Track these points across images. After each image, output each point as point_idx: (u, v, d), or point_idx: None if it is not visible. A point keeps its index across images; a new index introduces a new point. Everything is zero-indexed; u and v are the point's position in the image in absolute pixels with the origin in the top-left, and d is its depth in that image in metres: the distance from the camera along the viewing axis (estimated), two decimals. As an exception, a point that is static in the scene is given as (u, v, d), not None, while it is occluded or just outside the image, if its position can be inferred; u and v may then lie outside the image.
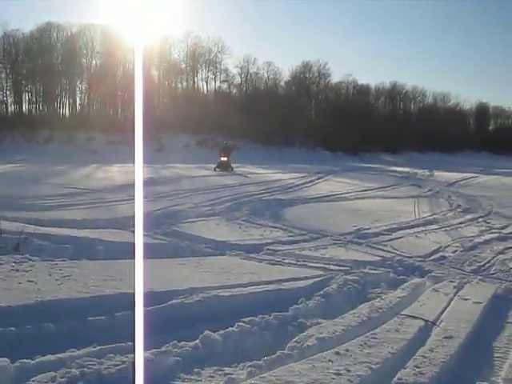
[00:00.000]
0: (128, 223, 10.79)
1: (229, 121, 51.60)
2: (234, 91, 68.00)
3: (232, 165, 30.84)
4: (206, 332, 5.52)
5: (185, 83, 66.39)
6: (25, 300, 5.97)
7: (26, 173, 25.08)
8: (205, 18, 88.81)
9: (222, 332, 5.62)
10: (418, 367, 5.12)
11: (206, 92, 66.66)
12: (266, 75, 68.68)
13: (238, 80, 67.77)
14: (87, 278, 6.99)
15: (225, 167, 30.13)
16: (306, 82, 69.69)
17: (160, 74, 63.80)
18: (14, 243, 8.59)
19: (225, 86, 67.68)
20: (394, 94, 76.83)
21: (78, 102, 63.27)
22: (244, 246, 10.37)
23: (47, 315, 5.64)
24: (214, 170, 29.87)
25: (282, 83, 69.81)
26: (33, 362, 4.71)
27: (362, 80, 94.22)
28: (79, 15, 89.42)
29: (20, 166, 29.40)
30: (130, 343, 5.03)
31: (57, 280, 6.88)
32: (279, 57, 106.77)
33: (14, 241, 8.67)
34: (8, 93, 61.19)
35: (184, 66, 65.57)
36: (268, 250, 10.18)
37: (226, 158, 30.79)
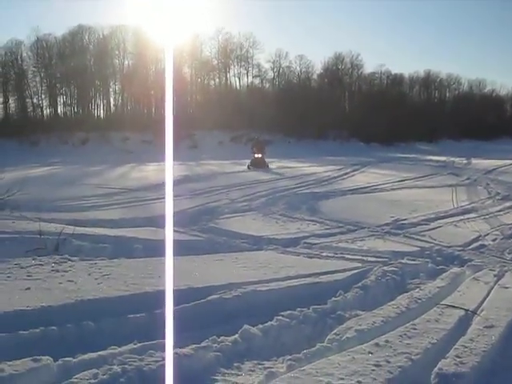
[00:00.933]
0: (164, 221, 10.83)
1: (262, 116, 51.64)
2: (267, 86, 67.99)
3: (267, 161, 28.90)
4: (245, 326, 5.55)
5: (217, 80, 66.62)
6: (65, 299, 6.07)
7: (63, 174, 25.38)
8: (235, 13, 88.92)
9: (260, 326, 5.64)
10: (459, 357, 5.07)
11: (238, 88, 66.76)
12: (299, 69, 68.60)
13: (270, 75, 67.81)
14: (126, 276, 7.07)
15: (259, 165, 27.84)
16: (339, 74, 69.34)
17: (192, 72, 64.07)
18: (54, 244, 8.72)
19: (257, 81, 67.75)
20: (428, 82, 76.02)
21: (111, 102, 64.05)
22: (281, 240, 10.37)
23: (87, 314, 5.72)
24: (248, 168, 27.68)
25: (315, 76, 69.66)
26: (75, 360, 4.78)
27: (396, 70, 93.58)
28: (110, 17, 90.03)
29: (56, 168, 29.76)
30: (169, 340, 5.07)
31: (96, 279, 6.97)
32: (311, 50, 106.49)
33: (54, 242, 8.80)
34: (43, 96, 62.23)
35: (216, 62, 65.80)
36: (305, 243, 10.16)
37: (260, 155, 28.66)
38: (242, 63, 66.36)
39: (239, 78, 66.94)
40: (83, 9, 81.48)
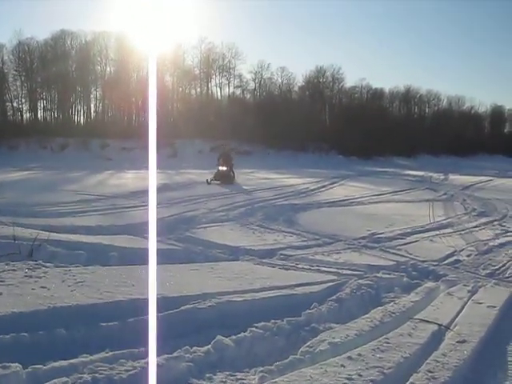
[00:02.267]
0: (141, 229, 10.82)
1: (243, 126, 51.70)
2: (248, 97, 68.05)
3: (235, 173, 26.11)
4: (218, 337, 5.53)
5: (198, 89, 66.52)
6: (37, 306, 6.00)
7: (41, 180, 25.24)
8: (218, 24, 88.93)
9: (234, 337, 5.63)
10: (431, 372, 5.10)
11: (219, 98, 66.79)
12: (280, 80, 68.75)
13: (251, 85, 67.88)
14: (100, 283, 7.01)
15: (225, 179, 24.80)
16: (320, 87, 69.58)
17: (174, 80, 63.96)
18: (28, 249, 8.64)
19: (238, 91, 67.77)
20: (408, 97, 76.53)
21: (92, 109, 63.68)
22: (257, 251, 10.35)
23: (60, 321, 5.66)
24: (208, 182, 24.25)
25: (296, 88, 69.80)
26: (45, 367, 4.73)
27: (376, 84, 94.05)
28: (93, 23, 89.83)
29: (35, 173, 29.55)
30: (141, 349, 5.05)
31: (70, 286, 6.90)
32: (293, 62, 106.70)
33: (28, 247, 8.73)
34: (23, 100, 61.76)
35: (198, 72, 65.77)
36: (281, 255, 10.15)
37: (225, 167, 25.42)
38: (224, 73, 66.46)
39: (221, 88, 67.02)
40: (66, 14, 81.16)
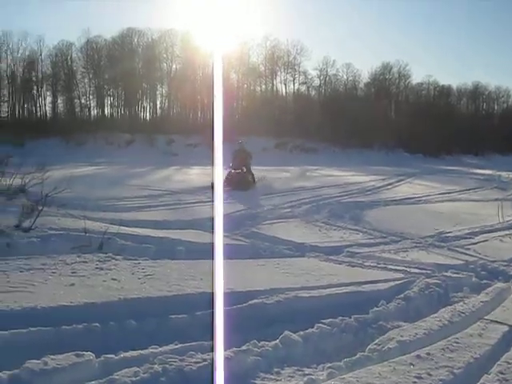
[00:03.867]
0: (207, 224, 10.93)
1: (308, 123, 51.56)
2: (313, 93, 67.74)
3: (254, 178, 21.44)
4: (286, 332, 5.54)
5: (263, 86, 66.54)
6: (108, 297, 6.15)
7: (108, 174, 25.69)
8: (283, 20, 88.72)
9: (301, 333, 5.63)
10: (503, 373, 5.00)
11: (284, 94, 66.66)
12: (345, 77, 68.13)
13: (316, 82, 67.45)
14: (169, 277, 7.13)
15: (240, 184, 19.37)
16: (386, 84, 68.79)
17: (239, 78, 64.22)
18: (98, 242, 8.84)
19: (303, 88, 67.47)
20: (476, 94, 74.84)
21: (158, 105, 64.57)
22: (323, 247, 10.32)
23: (130, 312, 5.78)
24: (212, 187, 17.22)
25: (362, 85, 69.16)
26: (116, 357, 4.84)
27: (444, 81, 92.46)
28: (159, 21, 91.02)
29: (102, 168, 30.13)
30: (209, 342, 5.10)
31: (139, 279, 7.05)
32: (358, 58, 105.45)
33: (98, 240, 8.92)
34: (91, 97, 63.21)
35: (263, 68, 65.83)
36: (348, 252, 10.09)
37: (240, 170, 20.75)
38: (289, 70, 66.22)
39: (285, 85, 66.84)
40: (133, 12, 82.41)
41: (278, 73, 66.39)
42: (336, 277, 7.91)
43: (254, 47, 64.30)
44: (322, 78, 67.02)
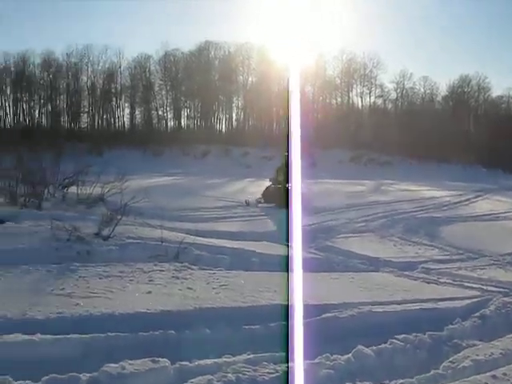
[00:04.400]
0: (279, 237, 10.98)
1: (384, 136, 51.11)
2: (390, 106, 67.12)
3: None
4: (359, 346, 5.52)
5: (339, 99, 66.42)
6: (184, 306, 6.29)
7: (184, 185, 26.11)
8: (359, 34, 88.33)
9: (374, 348, 5.59)
10: None
11: (360, 108, 66.28)
12: (423, 90, 67.32)
13: (393, 95, 66.85)
14: (243, 288, 7.21)
15: (279, 199, 16.58)
16: (465, 97, 67.47)
17: (315, 91, 64.24)
18: (175, 252, 9.01)
19: (380, 101, 66.99)
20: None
21: (234, 117, 65.34)
22: (398, 263, 10.24)
23: (205, 321, 5.87)
24: (247, 203, 18.37)
25: (439, 98, 68.11)
26: (191, 364, 4.93)
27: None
28: (236, 34, 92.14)
29: (178, 179, 30.59)
30: (282, 353, 5.13)
31: (214, 288, 7.17)
32: (436, 71, 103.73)
33: (175, 250, 9.10)
34: (168, 109, 64.54)
35: (339, 81, 65.68)
36: (423, 268, 9.98)
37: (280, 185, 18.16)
38: (365, 83, 65.89)
39: (361, 98, 66.51)
40: (211, 25, 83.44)
41: (354, 86, 66.22)
42: (410, 293, 7.84)
43: (330, 60, 64.41)
44: (398, 91, 66.41)
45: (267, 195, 18.47)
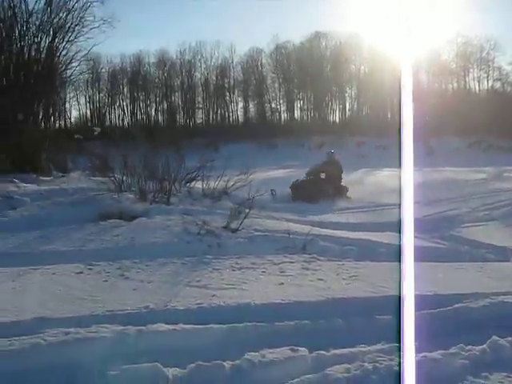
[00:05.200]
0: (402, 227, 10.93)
1: (503, 121, 49.36)
2: (509, 90, 64.68)
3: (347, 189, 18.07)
4: (494, 337, 5.49)
5: (455, 84, 64.74)
6: (316, 297, 6.47)
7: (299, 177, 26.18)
8: (474, 15, 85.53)
9: (510, 339, 5.55)
10: None
11: (477, 92, 64.30)
12: (547, 70, 64.33)
13: (512, 78, 64.41)
14: (373, 278, 7.31)
15: (313, 196, 16.24)
16: None
17: (429, 76, 62.93)
18: (301, 243, 9.23)
19: (498, 84, 64.70)
20: None
21: (347, 107, 65.04)
22: (528, 252, 9.99)
23: (337, 312, 6.02)
24: (272, 193, 16.79)
25: None
26: (328, 353, 5.08)
27: None
28: (346, 23, 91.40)
29: (294, 171, 30.73)
30: (416, 343, 5.18)
31: (344, 279, 7.32)
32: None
33: (301, 241, 9.31)
34: (281, 101, 65.19)
35: (454, 66, 63.99)
36: (557, 257, 9.68)
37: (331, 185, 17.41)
38: (482, 66, 63.83)
39: (478, 82, 64.50)
40: (320, 16, 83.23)
41: (471, 70, 64.25)
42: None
43: (444, 45, 62.73)
44: (518, 73, 63.82)
45: (303, 187, 17.06)
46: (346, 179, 19.27)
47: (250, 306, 6.12)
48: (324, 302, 6.32)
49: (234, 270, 7.74)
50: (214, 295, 6.54)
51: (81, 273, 7.71)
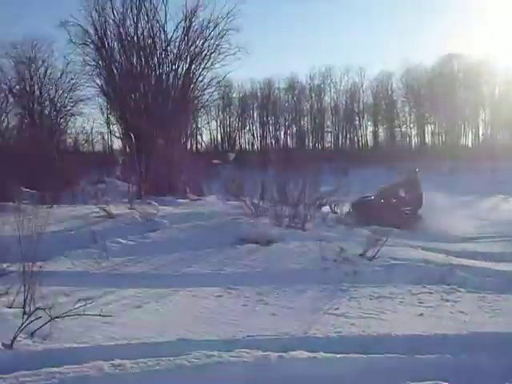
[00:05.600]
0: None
1: None
2: None
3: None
4: None
5: None
6: (458, 330, 6.32)
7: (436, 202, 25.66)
8: None
9: None
10: None
11: None
12: None
13: None
14: (517, 313, 7.07)
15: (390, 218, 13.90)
16: None
17: None
18: (439, 273, 9.07)
19: None
20: None
21: (480, 131, 63.10)
22: None
23: (482, 346, 5.81)
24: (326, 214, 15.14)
25: None
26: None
27: None
28: (479, 45, 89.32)
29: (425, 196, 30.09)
30: None
31: (486, 312, 7.11)
32: None
33: (439, 271, 9.15)
34: (411, 125, 64.18)
35: None
36: None
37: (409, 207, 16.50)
38: None
39: None
40: (453, 37, 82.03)
41: None
42: None
43: None
44: None
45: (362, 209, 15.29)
46: (481, 206, 18.55)
47: (390, 336, 6.07)
48: (466, 335, 6.16)
49: (371, 299, 7.73)
50: (353, 324, 6.55)
51: (221, 296, 7.95)
